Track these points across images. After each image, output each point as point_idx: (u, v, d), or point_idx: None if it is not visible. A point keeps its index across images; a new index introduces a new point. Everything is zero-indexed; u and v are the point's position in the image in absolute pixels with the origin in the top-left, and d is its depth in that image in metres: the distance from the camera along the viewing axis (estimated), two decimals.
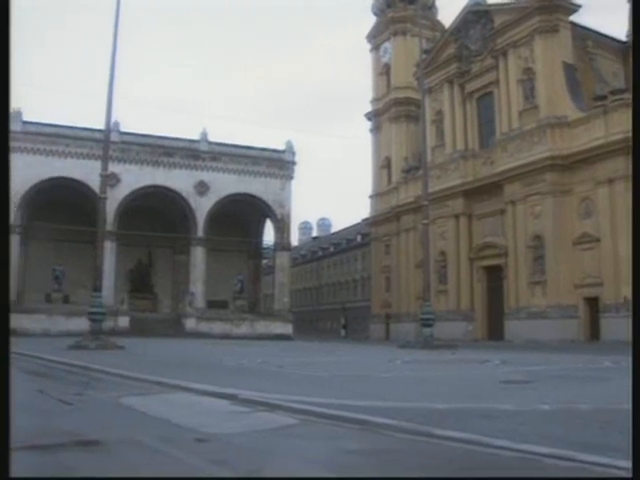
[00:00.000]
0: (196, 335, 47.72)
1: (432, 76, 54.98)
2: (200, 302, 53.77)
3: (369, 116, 68.00)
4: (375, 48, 68.03)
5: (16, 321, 46.61)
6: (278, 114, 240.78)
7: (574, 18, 46.18)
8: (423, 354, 23.25)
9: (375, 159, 66.81)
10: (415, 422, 5.79)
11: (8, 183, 5.16)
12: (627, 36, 48.73)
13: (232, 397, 8.16)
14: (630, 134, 11.84)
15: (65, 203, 52.81)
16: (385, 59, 66.33)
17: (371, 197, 67.14)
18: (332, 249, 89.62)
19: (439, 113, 55.34)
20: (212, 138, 57.03)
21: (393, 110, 63.41)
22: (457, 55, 53.54)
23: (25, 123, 52.17)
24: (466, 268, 51.34)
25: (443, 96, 54.87)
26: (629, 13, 45.29)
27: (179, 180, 54.81)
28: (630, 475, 3.55)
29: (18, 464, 4.56)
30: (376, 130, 66.83)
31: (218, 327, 51.47)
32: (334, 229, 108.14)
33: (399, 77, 62.97)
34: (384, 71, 66.23)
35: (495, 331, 47.81)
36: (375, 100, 67.39)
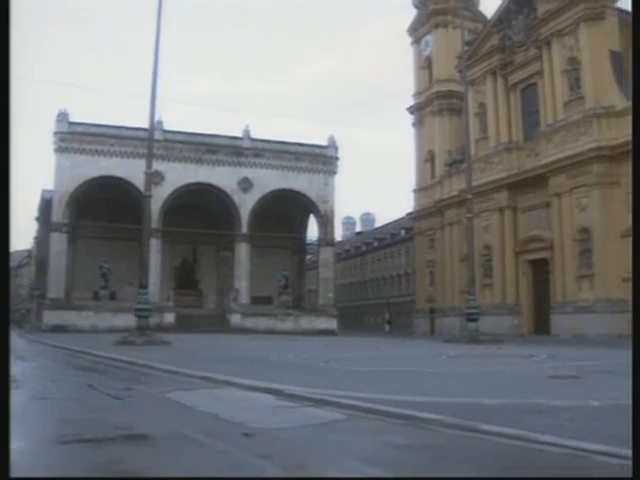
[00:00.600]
0: (241, 331, 47.97)
1: (474, 68, 54.33)
2: (245, 298, 54.02)
3: (411, 110, 67.56)
4: (416, 41, 67.50)
5: (65, 318, 47.70)
6: (320, 109, 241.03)
7: (621, 4, 45.16)
8: (468, 349, 23.06)
9: (418, 153, 66.35)
10: (461, 417, 5.76)
11: (8, 183, 5.21)
12: None
13: (278, 392, 8.21)
14: None
15: (111, 201, 53.45)
16: (427, 52, 65.76)
17: (414, 191, 66.75)
18: (376, 244, 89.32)
19: (482, 105, 54.73)
20: (255, 135, 57.40)
21: (435, 103, 62.87)
22: (500, 46, 52.84)
23: (71, 124, 52.87)
24: (511, 262, 50.76)
25: (486, 88, 54.22)
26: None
27: (223, 177, 55.13)
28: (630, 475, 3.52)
29: (63, 457, 4.66)
30: (419, 124, 66.37)
31: (263, 323, 51.68)
32: (377, 224, 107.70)
33: (441, 70, 62.39)
34: (426, 64, 65.68)
35: (541, 325, 47.18)
36: (417, 94, 66.91)
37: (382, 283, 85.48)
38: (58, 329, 44.63)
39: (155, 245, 46.19)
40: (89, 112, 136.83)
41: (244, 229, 54.75)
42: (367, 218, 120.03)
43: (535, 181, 48.16)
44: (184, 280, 58.92)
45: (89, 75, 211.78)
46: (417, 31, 66.98)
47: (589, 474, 4.03)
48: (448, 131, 61.31)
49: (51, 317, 48.30)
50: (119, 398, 8.28)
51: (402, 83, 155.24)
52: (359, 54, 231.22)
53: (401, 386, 9.33)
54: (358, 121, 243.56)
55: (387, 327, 73.01)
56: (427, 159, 64.33)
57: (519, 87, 52.30)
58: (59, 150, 51.87)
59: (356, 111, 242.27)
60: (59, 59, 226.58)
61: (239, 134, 56.64)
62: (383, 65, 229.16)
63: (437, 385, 9.75)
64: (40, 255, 71.11)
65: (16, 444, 5.38)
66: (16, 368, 14.29)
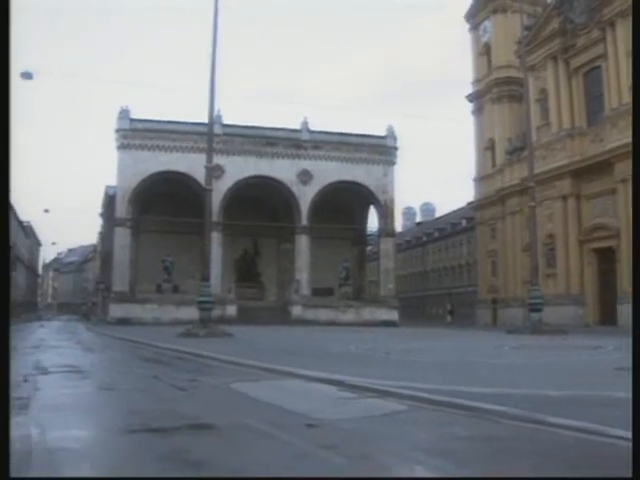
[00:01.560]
0: (302, 322, 48.20)
1: (535, 53, 53.22)
2: (306, 290, 54.24)
3: (470, 98, 66.70)
4: (474, 27, 66.54)
5: (130, 311, 48.67)
6: (378, 99, 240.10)
7: None
8: (532, 340, 22.72)
9: (478, 141, 65.49)
10: (526, 409, 5.68)
11: (8, 183, 5.27)
12: None
13: (340, 383, 8.22)
14: None
15: (172, 196, 54.13)
16: (485, 38, 64.77)
17: (475, 180, 65.97)
18: (436, 234, 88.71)
19: (543, 91, 53.63)
20: (313, 127, 57.50)
21: (495, 90, 61.91)
22: (561, 29, 51.62)
23: (133, 120, 53.74)
24: (575, 251, 49.74)
25: (547, 73, 53.08)
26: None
27: (282, 169, 55.36)
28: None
29: (131, 446, 4.74)
30: (478, 112, 65.49)
31: (324, 314, 51.78)
32: (438, 214, 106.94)
33: (500, 56, 61.34)
34: (484, 51, 64.69)
35: (607, 316, 46.11)
36: (476, 81, 65.99)
37: (443, 273, 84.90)
38: (123, 322, 45.56)
39: (216, 238, 46.66)
40: (150, 109, 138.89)
41: (304, 221, 54.90)
42: (427, 208, 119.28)
43: (600, 167, 47.02)
44: (245, 273, 59.41)
45: (149, 72, 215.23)
46: (475, 17, 66.06)
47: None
48: (508, 118, 60.35)
49: (116, 310, 49.32)
50: (184, 389, 8.41)
51: (460, 71, 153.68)
52: (416, 43, 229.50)
53: (464, 377, 9.26)
54: (417, 110, 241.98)
55: (448, 318, 72.42)
56: (487, 147, 63.47)
57: (581, 71, 51.10)
58: (121, 147, 52.82)
59: (414, 100, 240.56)
60: (120, 58, 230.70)
61: (298, 126, 56.80)
62: (441, 53, 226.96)
63: (500, 376, 9.64)
64: (105, 250, 72.62)
65: (85, 433, 5.53)
66: (85, 360, 14.68)
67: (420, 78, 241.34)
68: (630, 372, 5.14)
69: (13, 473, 3.02)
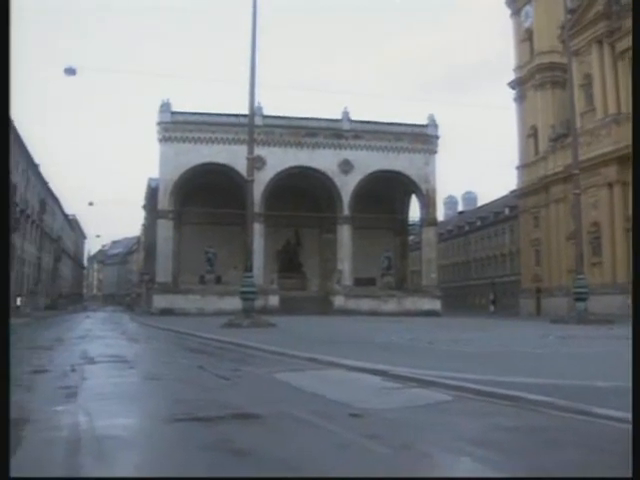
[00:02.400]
0: (344, 312, 48.26)
1: (578, 37, 52.19)
2: (348, 280, 54.26)
3: (512, 85, 65.91)
4: (515, 13, 65.65)
5: (173, 301, 49.23)
6: (419, 88, 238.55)
7: None
8: (577, 329, 22.37)
9: (521, 128, 64.73)
10: (573, 400, 5.59)
11: (8, 183, 5.29)
12: None
13: (384, 373, 8.19)
14: None
15: (214, 187, 54.54)
16: (527, 24, 63.86)
17: (518, 168, 65.25)
18: (479, 223, 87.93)
19: (587, 76, 52.66)
20: (353, 116, 57.33)
21: (537, 77, 61.06)
22: (605, 12, 50.55)
23: (174, 113, 54.31)
24: (622, 239, 48.84)
25: (591, 58, 52.09)
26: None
27: (323, 160, 55.42)
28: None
29: (177, 435, 4.78)
30: (520, 98, 64.69)
31: (366, 304, 51.83)
32: (480, 202, 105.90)
33: (542, 41, 60.42)
34: (526, 36, 63.79)
35: None
36: (518, 68, 65.17)
37: (486, 263, 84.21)
38: (167, 312, 46.10)
39: (258, 229, 46.84)
40: (191, 101, 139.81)
41: (346, 211, 54.89)
42: (469, 197, 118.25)
43: None
44: (287, 263, 59.64)
45: (190, 65, 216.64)
46: (516, 2, 65.18)
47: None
48: (551, 105, 59.48)
49: (160, 301, 49.93)
50: (228, 379, 8.45)
51: (502, 58, 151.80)
52: (456, 30, 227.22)
53: (508, 367, 9.16)
54: (458, 98, 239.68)
55: (492, 307, 71.87)
56: (530, 134, 62.67)
57: (628, 55, 50.08)
58: (163, 140, 53.36)
59: (455, 88, 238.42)
60: (162, 52, 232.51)
61: (338, 116, 56.71)
62: (482, 40, 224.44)
63: (546, 366, 9.52)
64: (148, 241, 73.47)
65: (132, 421, 5.60)
66: (130, 350, 14.86)
67: (461, 66, 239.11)
68: (630, 372, 5.03)
69: (13, 473, 3.06)
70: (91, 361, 10.97)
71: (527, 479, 3.52)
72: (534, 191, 60.92)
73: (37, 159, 63.31)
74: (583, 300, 28.59)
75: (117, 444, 4.50)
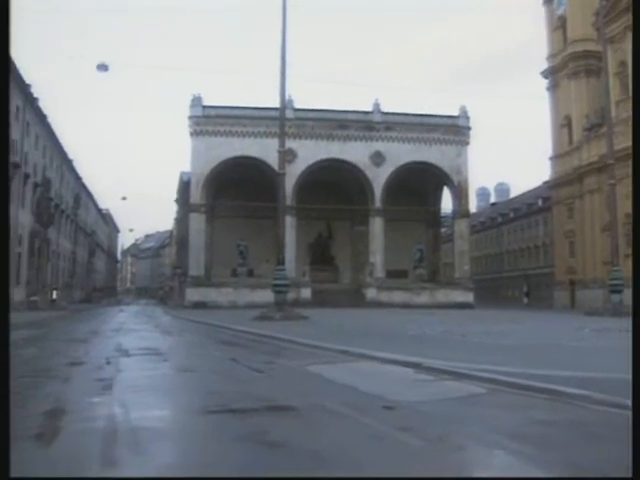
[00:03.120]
0: (376, 305, 48.22)
1: (613, 24, 51.13)
2: (380, 272, 54.15)
3: (545, 74, 65.09)
4: (548, 0, 64.89)
5: (206, 294, 49.50)
6: (450, 79, 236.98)
7: None
8: (613, 322, 22.07)
9: (554, 118, 63.92)
10: (609, 393, 5.53)
11: (8, 183, 5.31)
12: None
13: (417, 365, 8.17)
14: None
15: (245, 181, 54.71)
16: (560, 11, 62.97)
17: (551, 159, 64.52)
18: (512, 215, 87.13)
19: (622, 64, 51.65)
20: (385, 108, 57.09)
21: (571, 65, 60.22)
22: None
23: (205, 107, 54.51)
24: None
25: (627, 45, 51.21)
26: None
27: (354, 152, 55.26)
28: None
29: (211, 427, 4.81)
30: (554, 88, 63.88)
31: (398, 296, 51.71)
32: (513, 194, 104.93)
33: (576, 29, 59.50)
34: (559, 24, 62.90)
35: None
36: (551, 56, 64.34)
37: (519, 255, 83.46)
38: (199, 305, 46.40)
39: (290, 222, 46.87)
40: (222, 95, 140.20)
41: (377, 203, 54.72)
42: (502, 188, 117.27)
43: None
44: (319, 256, 59.63)
45: (220, 59, 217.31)
46: None
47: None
48: (585, 94, 58.63)
49: (192, 294, 50.26)
50: (261, 371, 8.49)
51: (535, 47, 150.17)
52: (488, 19, 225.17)
53: (543, 360, 9.09)
54: (489, 89, 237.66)
55: (525, 300, 71.30)
56: (564, 124, 61.88)
57: None
58: (194, 133, 53.60)
59: (487, 79, 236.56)
60: (192, 46, 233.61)
61: (369, 108, 56.53)
62: (514, 29, 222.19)
63: (581, 359, 9.43)
64: (180, 235, 73.97)
65: (166, 413, 5.65)
66: (163, 343, 14.99)
67: (493, 55, 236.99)
68: (630, 372, 4.95)
69: (13, 473, 3.09)
70: (126, 354, 11.10)
71: (527, 479, 3.49)
72: (568, 182, 60.18)
73: (71, 155, 64.07)
74: (618, 292, 28.24)
75: (152, 435, 4.54)
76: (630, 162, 48.07)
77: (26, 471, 3.35)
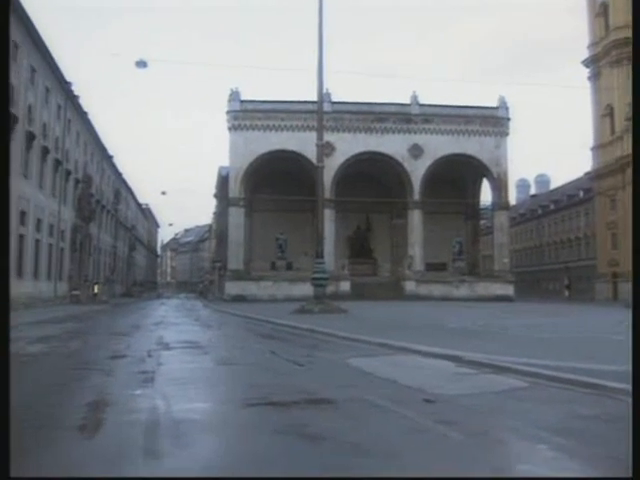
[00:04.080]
0: (415, 298, 48.00)
1: None
2: (419, 265, 53.91)
3: (586, 62, 64.04)
4: None
5: (245, 288, 49.76)
6: (488, 69, 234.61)
7: None
8: None
9: (595, 108, 62.82)
10: None
11: (8, 182, 5.31)
12: None
13: (457, 359, 8.13)
14: None
15: (283, 174, 54.76)
16: None
17: (592, 149, 63.54)
18: (552, 206, 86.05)
19: None
20: (422, 100, 56.70)
21: (613, 53, 59.09)
22: None
23: (243, 102, 54.69)
24: None
25: None
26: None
27: (392, 145, 55.03)
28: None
29: (251, 419, 4.83)
30: (595, 77, 62.81)
31: (437, 289, 51.46)
32: (553, 185, 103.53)
33: (619, 15, 58.21)
34: (601, 11, 61.75)
35: None
36: (592, 44, 63.24)
37: (560, 247, 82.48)
38: (238, 299, 46.67)
39: (328, 215, 46.81)
40: (259, 90, 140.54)
41: (416, 196, 54.46)
42: (542, 180, 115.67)
43: None
44: (358, 249, 59.55)
45: (257, 54, 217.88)
46: None
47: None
48: (629, 82, 57.63)
49: (232, 287, 50.56)
50: (301, 364, 8.52)
51: (575, 35, 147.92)
52: (526, 7, 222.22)
53: (585, 354, 8.97)
54: (529, 79, 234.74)
55: (566, 293, 70.42)
56: (606, 114, 60.86)
57: None
58: (232, 128, 53.83)
59: (526, 68, 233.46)
60: (229, 41, 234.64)
61: (407, 100, 56.23)
62: (553, 17, 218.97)
63: (624, 353, 9.27)
64: (219, 229, 74.44)
65: (207, 405, 5.69)
66: (203, 336, 15.11)
67: (532, 45, 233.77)
68: (630, 373, 4.84)
69: (13, 473, 3.11)
70: (167, 347, 11.21)
71: (527, 479, 3.45)
72: (610, 172, 59.23)
73: (111, 151, 64.80)
74: None
75: (194, 427, 4.58)
76: None
77: (26, 471, 3.37)
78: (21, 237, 33.30)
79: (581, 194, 76.05)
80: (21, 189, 33.09)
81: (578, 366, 6.85)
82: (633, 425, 3.65)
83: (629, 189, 55.78)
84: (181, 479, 3.21)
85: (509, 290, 52.76)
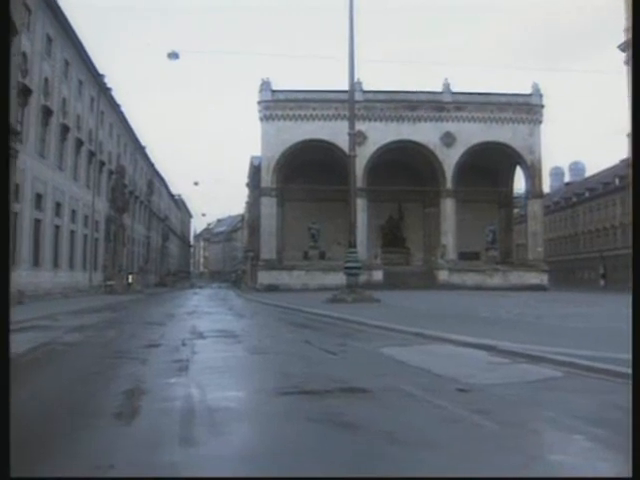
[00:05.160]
0: (448, 287, 47.77)
1: None
2: (452, 254, 53.63)
3: (623, 47, 63.09)
4: None
5: (278, 277, 49.90)
6: (521, 55, 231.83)
7: None
8: None
9: (632, 92, 61.90)
10: None
11: (8, 181, 5.33)
12: None
13: (491, 348, 8.08)
14: None
15: (315, 164, 54.74)
16: None
17: (629, 135, 62.68)
18: (587, 194, 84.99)
19: None
20: (454, 88, 56.29)
21: None
22: None
23: (274, 92, 54.74)
24: None
25: None
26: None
27: (425, 133, 54.72)
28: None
29: (285, 408, 4.85)
30: (631, 61, 61.79)
31: (470, 278, 51.20)
32: (588, 173, 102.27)
33: None
34: None
35: None
36: (629, 28, 62.32)
37: (595, 236, 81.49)
38: (271, 288, 46.82)
39: (361, 204, 46.73)
40: (291, 79, 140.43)
41: (449, 184, 54.14)
42: (576, 167, 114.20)
43: None
44: (390, 238, 59.40)
45: (288, 43, 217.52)
46: None
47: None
48: None
49: (264, 277, 50.75)
50: (334, 353, 8.53)
51: (612, 18, 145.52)
52: None
53: (621, 344, 8.81)
54: (563, 64, 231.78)
55: (602, 282, 69.66)
56: None
57: None
58: (264, 118, 53.92)
59: (560, 54, 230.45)
60: (259, 30, 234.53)
61: (439, 88, 55.83)
62: (585, 1, 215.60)
63: None
64: (252, 219, 74.68)
65: (242, 394, 5.72)
66: (237, 325, 15.19)
67: (565, 29, 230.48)
68: (631, 373, 4.75)
69: (13, 473, 3.13)
70: (200, 336, 11.29)
71: (528, 479, 3.41)
72: None
73: (144, 142, 65.29)
74: None
75: (228, 416, 4.62)
76: None
77: (26, 471, 3.39)
78: (57, 228, 33.75)
79: (617, 182, 75.00)
80: (56, 181, 33.53)
81: (613, 356, 6.76)
82: (633, 425, 3.61)
83: None
84: (182, 479, 3.24)
85: (543, 279, 52.31)
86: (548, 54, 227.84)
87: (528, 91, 56.35)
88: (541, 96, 56.12)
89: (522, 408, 4.86)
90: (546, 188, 75.43)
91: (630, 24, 61.50)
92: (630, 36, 61.23)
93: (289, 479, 3.15)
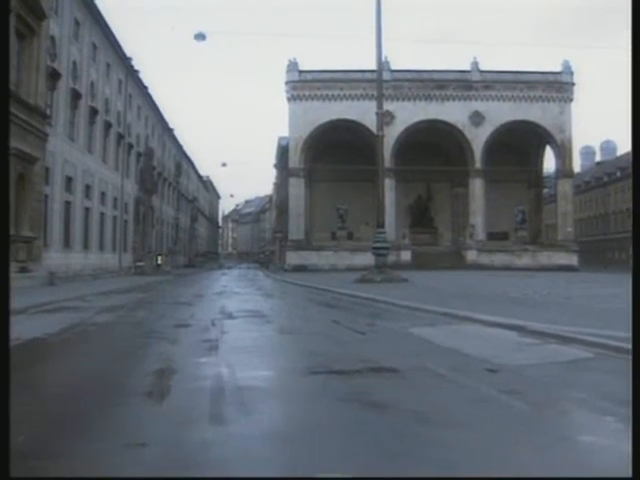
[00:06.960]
0: (477, 267, 47.60)
1: None
2: (480, 234, 53.28)
3: None
4: None
5: (306, 258, 49.97)
6: (552, 32, 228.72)
7: None
8: None
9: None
10: None
11: (8, 179, 5.33)
12: None
13: (521, 328, 8.03)
14: None
15: (343, 144, 54.62)
16: None
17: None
18: (619, 174, 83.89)
19: None
20: (483, 66, 55.65)
21: None
22: None
23: (301, 72, 54.57)
24: None
25: None
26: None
27: (453, 112, 54.29)
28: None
29: (314, 387, 4.87)
30: None
31: (499, 259, 50.87)
32: (619, 152, 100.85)
33: None
34: None
35: None
36: None
37: (626, 216, 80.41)
38: (299, 269, 46.92)
39: (389, 184, 46.56)
40: (318, 59, 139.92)
41: (477, 164, 53.69)
42: (608, 146, 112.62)
43: None
44: (418, 218, 59.18)
45: (315, 23, 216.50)
46: None
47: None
48: None
49: (293, 257, 50.84)
50: (363, 333, 8.55)
51: None
52: None
53: None
54: (594, 41, 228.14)
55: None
56: None
57: None
58: (291, 98, 53.80)
59: (591, 31, 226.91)
60: (287, 10, 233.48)
61: (467, 67, 55.27)
62: None
63: None
64: (280, 200, 74.80)
65: (271, 373, 5.76)
66: (265, 305, 15.25)
67: (598, 6, 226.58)
68: (630, 373, 4.67)
69: (13, 473, 3.15)
70: (229, 316, 11.35)
71: (528, 479, 3.38)
72: None
73: (171, 124, 65.46)
74: None
75: (258, 395, 4.64)
76: None
77: (27, 471, 3.41)
78: (87, 210, 34.06)
79: None
80: (86, 163, 33.80)
81: None
82: (633, 425, 3.57)
83: None
84: (182, 479, 3.26)
85: (573, 260, 51.81)
86: (580, 30, 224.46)
87: (558, 69, 55.55)
88: (572, 74, 55.26)
89: (552, 389, 4.82)
90: (576, 167, 74.60)
91: (630, 24, 60.26)
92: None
93: (289, 479, 3.16)
